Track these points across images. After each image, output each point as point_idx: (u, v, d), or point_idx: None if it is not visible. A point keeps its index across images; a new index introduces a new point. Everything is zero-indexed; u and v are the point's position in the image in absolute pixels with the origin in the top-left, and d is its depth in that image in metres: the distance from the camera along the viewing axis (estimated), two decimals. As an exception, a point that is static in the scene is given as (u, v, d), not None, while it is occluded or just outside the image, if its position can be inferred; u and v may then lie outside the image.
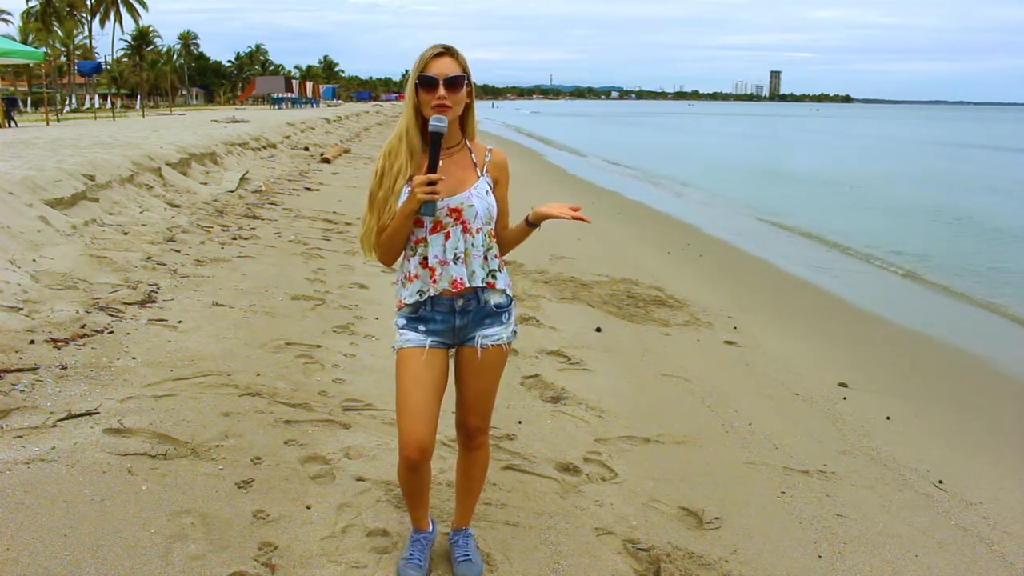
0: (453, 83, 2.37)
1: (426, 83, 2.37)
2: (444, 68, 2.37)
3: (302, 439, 3.61)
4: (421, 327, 2.51)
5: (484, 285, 2.52)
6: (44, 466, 3.10)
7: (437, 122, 2.34)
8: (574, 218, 2.44)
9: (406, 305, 2.54)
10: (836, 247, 11.66)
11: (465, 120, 2.52)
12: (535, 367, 4.99)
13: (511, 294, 2.63)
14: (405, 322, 2.54)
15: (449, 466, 3.32)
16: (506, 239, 2.62)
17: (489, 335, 2.56)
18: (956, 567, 3.15)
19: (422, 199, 2.33)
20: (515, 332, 2.64)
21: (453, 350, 2.62)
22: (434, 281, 2.48)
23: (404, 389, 2.48)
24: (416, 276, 2.50)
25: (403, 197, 2.41)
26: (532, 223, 2.54)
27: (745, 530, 3.25)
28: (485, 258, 2.52)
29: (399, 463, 2.55)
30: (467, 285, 2.48)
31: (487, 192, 2.50)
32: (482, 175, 2.52)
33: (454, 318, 2.52)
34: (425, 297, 2.50)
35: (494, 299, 2.56)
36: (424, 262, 2.49)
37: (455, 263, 2.47)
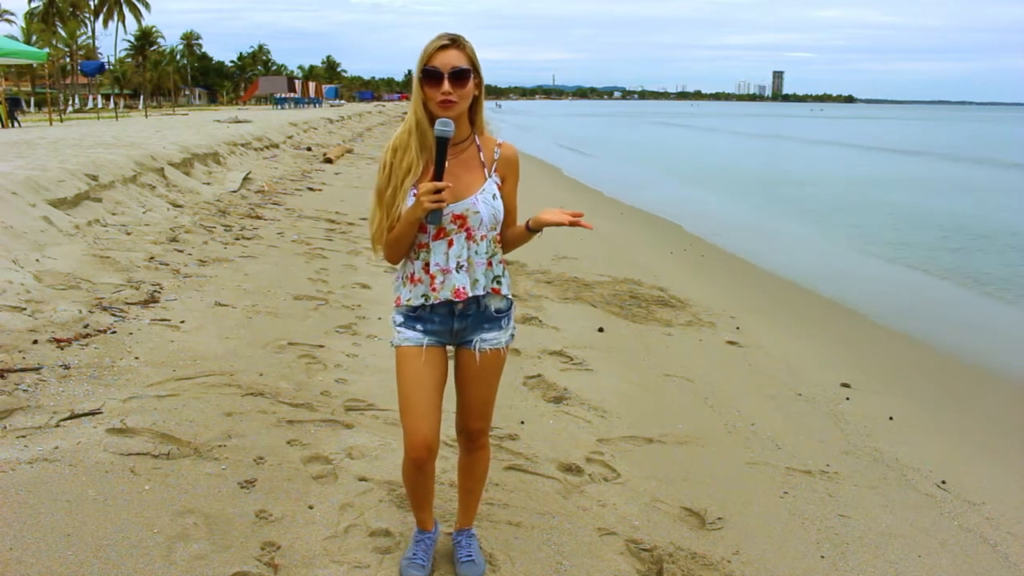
0: (459, 76, 2.27)
1: (430, 77, 2.27)
2: (450, 60, 2.26)
3: (305, 439, 3.61)
4: (418, 326, 2.47)
5: (487, 292, 2.47)
6: (47, 466, 3.11)
7: (443, 127, 2.24)
8: (572, 223, 2.37)
9: (405, 304, 2.49)
10: (837, 248, 11.64)
11: (473, 114, 2.42)
12: (537, 367, 4.99)
13: (511, 297, 2.59)
14: (403, 319, 2.49)
15: (451, 466, 3.32)
16: (507, 240, 2.55)
17: (487, 339, 2.51)
18: (959, 568, 3.14)
19: (428, 208, 2.25)
20: (513, 335, 2.60)
21: (452, 347, 2.59)
22: (434, 289, 2.42)
23: (406, 389, 2.45)
24: (419, 280, 2.45)
25: (410, 198, 2.34)
26: (532, 229, 2.47)
27: (748, 530, 3.25)
28: (489, 264, 2.46)
29: (404, 463, 2.54)
30: (469, 295, 2.43)
31: (494, 196, 2.43)
32: (490, 176, 2.44)
33: (452, 321, 2.48)
34: (418, 303, 2.45)
35: (495, 304, 2.51)
36: (426, 267, 2.43)
37: (457, 271, 2.41)
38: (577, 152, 32.18)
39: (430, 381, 2.45)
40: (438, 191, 2.24)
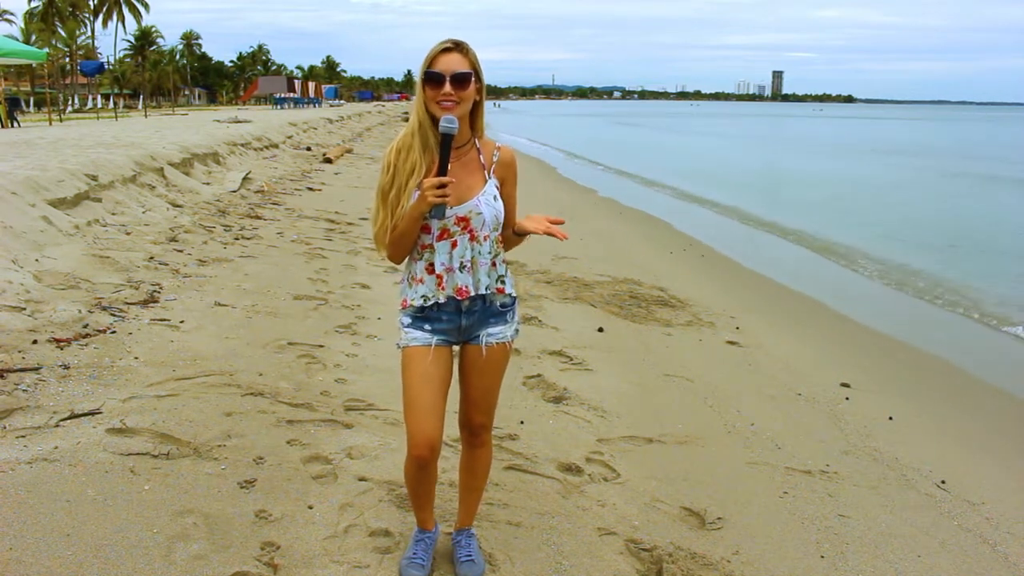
0: (460, 80, 2.33)
1: (432, 79, 2.34)
2: (451, 64, 2.34)
3: (304, 439, 3.61)
4: (427, 326, 2.51)
5: (492, 292, 2.52)
6: (47, 466, 3.11)
7: (448, 123, 2.29)
8: (547, 232, 2.40)
9: (411, 305, 2.53)
10: (837, 249, 11.64)
11: (474, 118, 2.47)
12: (537, 367, 4.99)
13: (515, 294, 2.63)
14: (411, 320, 2.53)
15: (452, 466, 3.33)
16: (506, 240, 2.60)
17: (494, 333, 2.56)
18: (958, 568, 3.14)
19: (433, 203, 2.29)
20: (518, 330, 2.65)
21: (457, 347, 2.62)
22: (441, 288, 2.47)
23: (412, 388, 2.48)
24: (421, 280, 2.49)
25: (414, 197, 2.37)
26: (517, 234, 2.54)
27: (747, 530, 3.25)
28: (493, 264, 2.51)
29: (407, 462, 2.56)
30: (472, 293, 2.48)
31: (495, 197, 2.48)
32: (490, 178, 2.49)
33: (460, 318, 2.52)
34: (431, 302, 2.49)
35: (499, 299, 2.56)
36: (430, 268, 2.48)
37: (461, 271, 2.46)
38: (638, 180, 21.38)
39: (436, 381, 2.48)
40: (442, 186, 2.28)
